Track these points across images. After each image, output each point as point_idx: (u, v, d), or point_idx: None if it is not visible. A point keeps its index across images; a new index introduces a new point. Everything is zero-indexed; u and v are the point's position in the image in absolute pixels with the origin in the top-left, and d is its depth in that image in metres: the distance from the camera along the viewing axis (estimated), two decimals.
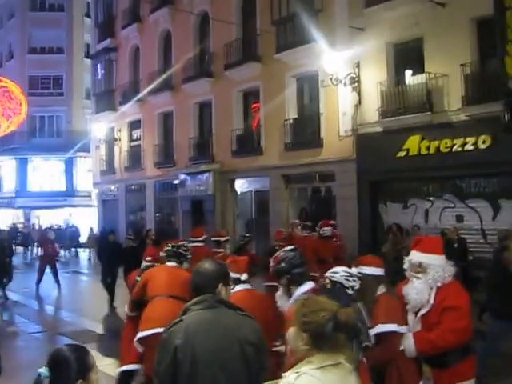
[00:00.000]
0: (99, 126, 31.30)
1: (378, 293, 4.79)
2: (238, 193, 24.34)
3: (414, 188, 17.40)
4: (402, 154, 16.77)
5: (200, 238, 11.14)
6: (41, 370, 2.70)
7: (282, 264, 4.72)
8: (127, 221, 31.30)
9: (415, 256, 4.88)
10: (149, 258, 8.31)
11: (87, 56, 38.91)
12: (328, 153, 19.37)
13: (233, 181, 24.16)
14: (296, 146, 20.55)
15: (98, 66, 33.30)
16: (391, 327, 4.52)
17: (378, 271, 4.91)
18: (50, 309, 15.96)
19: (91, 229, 33.27)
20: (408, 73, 17.43)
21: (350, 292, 4.34)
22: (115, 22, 32.18)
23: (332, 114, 19.19)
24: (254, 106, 23.44)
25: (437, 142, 15.96)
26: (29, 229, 35.72)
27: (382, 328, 4.51)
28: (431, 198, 17.01)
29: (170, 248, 6.91)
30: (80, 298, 17.88)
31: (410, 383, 4.52)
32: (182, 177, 25.93)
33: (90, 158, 37.73)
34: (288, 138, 20.88)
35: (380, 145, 17.25)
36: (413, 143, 16.53)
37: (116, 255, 15.18)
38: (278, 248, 9.40)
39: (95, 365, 2.84)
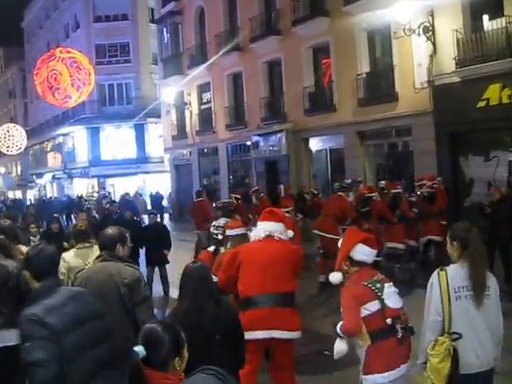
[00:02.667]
0: (168, 91, 32.03)
1: None
2: (313, 152, 24.67)
3: (496, 139, 17.23)
4: (482, 104, 16.61)
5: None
6: (137, 349, 2.76)
7: None
8: (201, 185, 32.16)
9: None
10: None
11: (152, 21, 39.54)
12: (403, 106, 19.38)
13: (306, 140, 24.49)
14: (370, 100, 20.62)
15: (164, 30, 33.97)
16: None
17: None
18: None
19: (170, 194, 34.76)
20: (485, 18, 17.14)
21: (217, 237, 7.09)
22: None
23: (406, 66, 19.12)
24: (324, 62, 23.56)
25: None
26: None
27: None
28: None
29: None
30: None
31: None
32: (255, 138, 26.44)
33: (160, 124, 38.70)
34: (361, 94, 20.96)
35: (458, 95, 17.13)
36: (493, 92, 16.35)
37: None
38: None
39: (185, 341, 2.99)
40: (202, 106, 31.97)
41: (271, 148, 25.57)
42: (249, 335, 5.13)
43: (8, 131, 46.44)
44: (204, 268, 4.68)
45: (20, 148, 47.01)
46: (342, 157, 22.64)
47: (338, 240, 5.29)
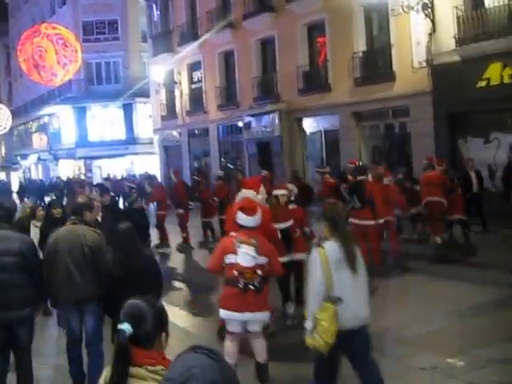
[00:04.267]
0: (157, 69, 31.70)
1: None
2: (307, 133, 24.46)
3: (497, 120, 17.12)
4: (483, 83, 16.47)
5: None
6: (124, 327, 2.73)
7: None
8: (191, 167, 31.92)
9: None
10: None
11: None
12: (401, 86, 19.19)
13: (300, 120, 24.28)
14: (366, 80, 20.43)
15: (154, 6, 33.54)
16: None
17: None
18: None
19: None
20: None
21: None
22: None
23: (404, 44, 18.93)
24: (319, 40, 23.29)
25: None
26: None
27: None
28: None
29: None
30: None
31: None
32: (247, 119, 26.19)
33: (149, 104, 38.24)
34: (357, 73, 20.77)
35: (458, 75, 16.96)
36: (494, 71, 16.20)
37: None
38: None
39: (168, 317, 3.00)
40: (193, 86, 31.65)
41: (264, 129, 25.36)
42: None
43: None
44: (130, 228, 6.41)
45: (5, 128, 46.41)
46: (336, 138, 22.45)
47: None
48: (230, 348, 6.30)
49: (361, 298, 5.25)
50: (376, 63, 20.45)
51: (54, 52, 24.83)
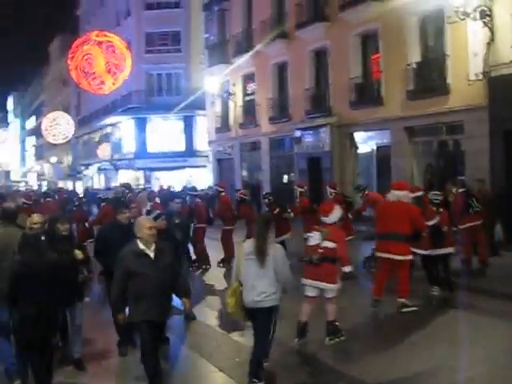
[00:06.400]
0: (212, 80, 31.17)
1: None
2: (358, 148, 23.28)
3: None
4: None
5: None
6: None
7: None
8: (243, 180, 31.20)
9: None
10: None
11: None
12: (456, 100, 17.87)
13: (351, 135, 23.16)
14: (419, 93, 19.17)
15: (211, 16, 33.08)
16: None
17: None
18: None
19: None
20: None
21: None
22: None
23: (460, 55, 17.57)
24: (372, 50, 22.15)
25: None
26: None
27: None
28: None
29: None
30: None
31: None
32: (298, 132, 25.24)
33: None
34: (410, 85, 19.53)
35: None
36: None
37: None
38: None
39: None
40: (247, 98, 30.95)
41: (314, 143, 24.35)
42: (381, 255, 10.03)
43: (54, 119, 46.62)
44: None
45: (66, 137, 47.06)
46: (388, 155, 21.18)
47: None
48: (304, 309, 8.29)
49: (264, 282, 6.56)
50: (430, 75, 19.12)
51: (103, 60, 24.63)
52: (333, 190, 14.44)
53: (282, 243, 11.61)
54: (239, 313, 6.77)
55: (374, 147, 22.61)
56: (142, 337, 6.47)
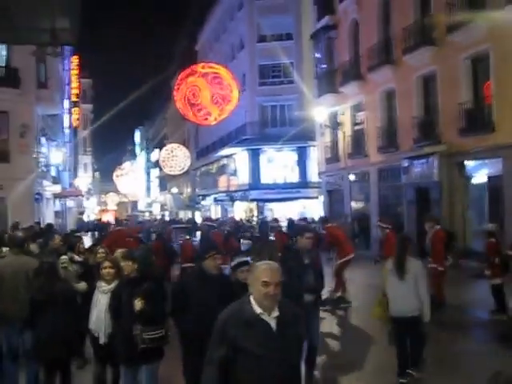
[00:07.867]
0: (321, 110, 30.64)
1: None
2: (468, 178, 21.78)
3: None
4: None
5: None
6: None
7: None
8: (352, 213, 30.25)
9: None
10: None
11: None
12: None
13: (461, 164, 21.71)
14: None
15: (319, 45, 32.70)
16: None
17: None
18: None
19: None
20: None
21: None
22: None
23: None
24: (483, 73, 20.72)
25: None
26: None
27: None
28: None
29: None
30: None
31: None
32: (406, 162, 24.09)
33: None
34: None
35: None
36: None
37: None
38: None
39: None
40: (355, 127, 30.12)
41: (422, 173, 23.08)
42: None
43: (172, 151, 48.05)
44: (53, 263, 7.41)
45: (183, 168, 48.36)
46: (500, 185, 19.59)
47: None
48: None
49: (407, 295, 7.65)
50: None
51: (208, 91, 24.79)
52: (384, 225, 13.46)
53: None
54: (384, 316, 8.23)
55: (486, 177, 21.03)
56: None
